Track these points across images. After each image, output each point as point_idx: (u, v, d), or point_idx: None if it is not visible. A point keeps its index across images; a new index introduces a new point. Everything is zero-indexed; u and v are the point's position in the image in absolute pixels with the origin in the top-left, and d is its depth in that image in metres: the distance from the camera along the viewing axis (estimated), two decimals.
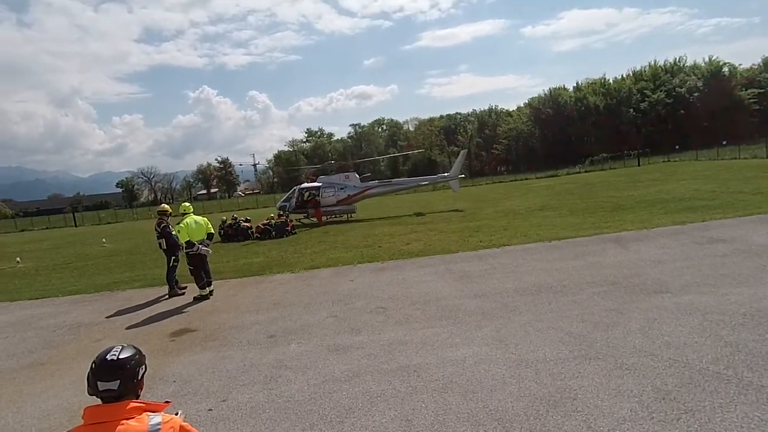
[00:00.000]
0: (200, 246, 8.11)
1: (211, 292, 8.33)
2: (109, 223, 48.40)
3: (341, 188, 24.01)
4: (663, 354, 3.98)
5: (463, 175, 26.95)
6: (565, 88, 67.75)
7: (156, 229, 8.84)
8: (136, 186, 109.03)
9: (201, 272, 8.16)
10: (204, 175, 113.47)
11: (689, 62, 64.35)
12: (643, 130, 59.10)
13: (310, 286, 8.38)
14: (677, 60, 65.24)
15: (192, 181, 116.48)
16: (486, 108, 78.64)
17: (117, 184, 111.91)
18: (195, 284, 8.34)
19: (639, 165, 43.82)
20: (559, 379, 3.75)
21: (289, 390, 4.16)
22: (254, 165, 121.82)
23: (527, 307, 5.73)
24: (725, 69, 58.84)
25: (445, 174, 26.25)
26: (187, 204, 8.56)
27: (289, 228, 19.06)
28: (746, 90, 56.12)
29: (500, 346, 4.60)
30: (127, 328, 6.79)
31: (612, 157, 49.39)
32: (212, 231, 8.54)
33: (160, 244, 8.81)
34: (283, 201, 24.28)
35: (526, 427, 3.15)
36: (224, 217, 20.49)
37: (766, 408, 3.02)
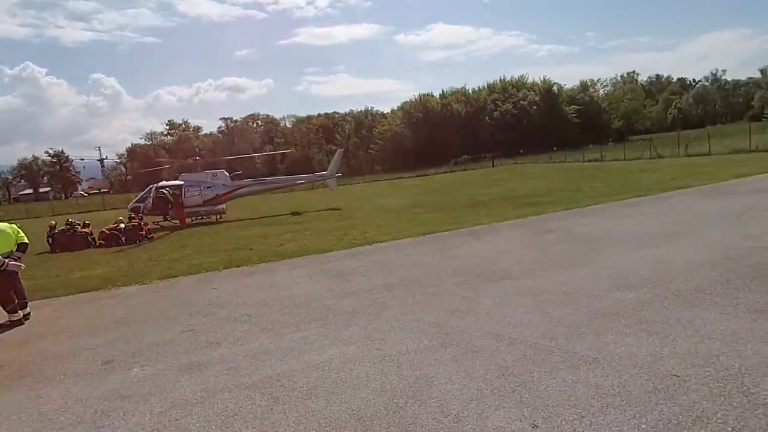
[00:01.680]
0: (7, 260, 6.46)
1: (26, 316, 6.72)
2: None
3: (208, 187, 22.09)
4: (505, 333, 4.48)
5: (340, 174, 27.15)
6: (432, 95, 73.86)
7: None
8: None
9: (10, 292, 6.51)
10: (30, 172, 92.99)
11: (530, 80, 76.16)
12: (497, 136, 67.80)
13: (164, 298, 7.40)
14: (521, 77, 76.57)
15: (11, 178, 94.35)
16: (362, 109, 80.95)
17: None
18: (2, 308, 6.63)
19: (493, 166, 50.12)
20: (418, 369, 3.92)
21: (126, 424, 3.52)
22: (101, 160, 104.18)
23: (394, 302, 5.93)
24: (555, 87, 71.18)
25: (323, 173, 26.14)
26: None
27: (143, 233, 16.75)
28: (570, 106, 68.75)
29: (366, 343, 4.64)
30: None
31: (472, 159, 55.56)
32: (25, 240, 6.88)
33: None
34: (137, 201, 21.28)
35: (386, 422, 3.19)
36: (53, 222, 16.94)
37: (578, 371, 3.59)
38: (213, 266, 9.81)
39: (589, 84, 78.33)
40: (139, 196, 21.77)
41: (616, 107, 76.70)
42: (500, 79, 75.79)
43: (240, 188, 23.12)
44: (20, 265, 6.67)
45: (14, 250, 6.68)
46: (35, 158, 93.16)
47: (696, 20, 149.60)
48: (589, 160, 37.49)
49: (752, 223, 8.20)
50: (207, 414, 3.56)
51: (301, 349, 4.69)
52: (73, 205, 52.20)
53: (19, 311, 6.61)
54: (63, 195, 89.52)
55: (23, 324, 6.57)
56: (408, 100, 75.64)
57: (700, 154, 27.32)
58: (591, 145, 46.49)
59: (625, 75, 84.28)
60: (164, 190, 21.02)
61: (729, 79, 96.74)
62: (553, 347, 4.06)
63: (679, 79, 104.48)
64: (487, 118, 69.28)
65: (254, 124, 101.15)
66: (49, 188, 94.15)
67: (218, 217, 21.92)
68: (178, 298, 7.32)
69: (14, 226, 6.88)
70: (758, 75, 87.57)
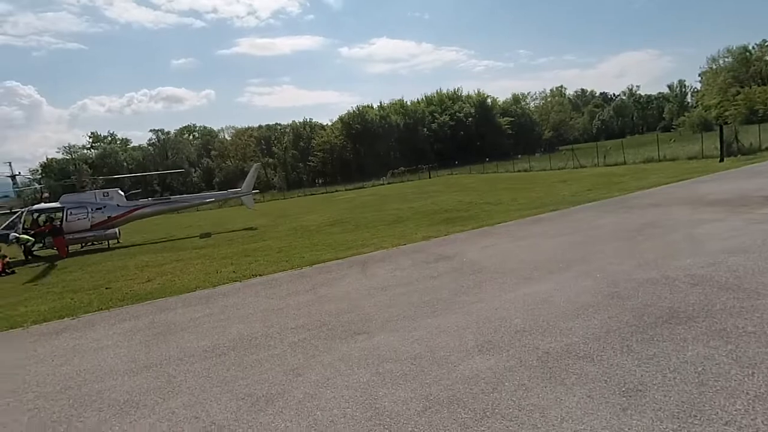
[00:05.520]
0: None
1: None
2: None
3: (97, 208, 19.30)
4: None
5: (257, 191, 25.11)
6: (371, 107, 73.34)
7: None
8: None
9: None
10: None
11: (465, 92, 78.16)
12: (435, 147, 68.47)
13: None
14: (456, 90, 78.39)
15: None
16: (301, 120, 78.80)
17: None
18: None
19: (430, 177, 50.01)
20: None
21: None
22: (12, 176, 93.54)
23: (194, 381, 4.32)
24: (488, 100, 73.50)
25: (237, 189, 23.96)
26: None
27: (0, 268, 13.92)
28: (503, 118, 71.15)
29: None
30: None
31: (409, 170, 55.30)
32: None
33: None
34: (4, 229, 17.98)
35: None
36: None
37: None
38: (34, 318, 7.69)
39: (521, 97, 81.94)
40: (7, 222, 18.47)
41: (545, 119, 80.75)
42: (437, 92, 77.08)
43: (138, 209, 20.50)
44: None
45: None
46: None
47: (612, 41, 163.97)
48: (519, 171, 38.17)
49: (647, 245, 7.52)
50: None
51: None
52: None
53: None
54: None
55: None
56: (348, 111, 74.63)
57: (617, 164, 28.45)
58: (519, 156, 47.82)
59: (554, 89, 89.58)
60: (38, 214, 18.02)
61: (643, 93, 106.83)
62: None
63: (601, 94, 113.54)
64: (425, 129, 69.85)
65: (190, 137, 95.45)
66: None
67: (110, 242, 19.18)
68: None
69: None
70: (667, 90, 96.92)
